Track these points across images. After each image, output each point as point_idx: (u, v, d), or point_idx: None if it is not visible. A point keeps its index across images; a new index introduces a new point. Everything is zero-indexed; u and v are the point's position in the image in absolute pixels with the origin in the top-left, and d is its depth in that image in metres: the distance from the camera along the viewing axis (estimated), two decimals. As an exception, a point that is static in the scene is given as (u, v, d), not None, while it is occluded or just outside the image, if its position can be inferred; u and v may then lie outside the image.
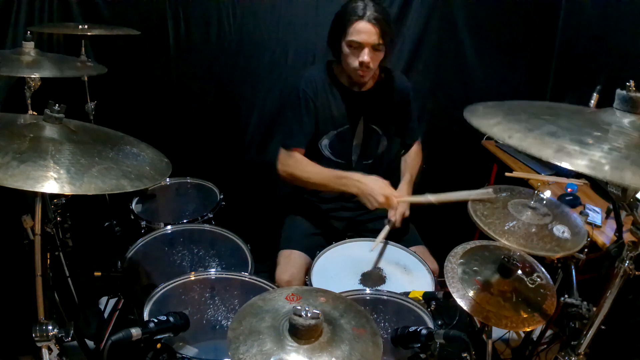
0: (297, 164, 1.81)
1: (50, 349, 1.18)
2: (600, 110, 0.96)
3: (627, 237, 1.03)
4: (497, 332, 1.77)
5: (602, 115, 0.93)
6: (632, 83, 0.90)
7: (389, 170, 2.01)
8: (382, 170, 2.01)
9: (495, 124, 0.90)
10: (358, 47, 1.66)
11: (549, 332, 1.90)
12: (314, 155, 1.86)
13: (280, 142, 1.87)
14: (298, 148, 1.82)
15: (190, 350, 1.30)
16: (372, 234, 1.91)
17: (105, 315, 2.18)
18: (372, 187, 1.67)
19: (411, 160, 2.05)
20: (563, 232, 1.29)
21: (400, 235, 1.85)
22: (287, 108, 1.93)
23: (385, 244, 1.75)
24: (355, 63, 1.68)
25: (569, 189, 2.08)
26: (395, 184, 1.84)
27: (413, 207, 1.83)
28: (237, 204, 2.22)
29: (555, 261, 1.52)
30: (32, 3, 2.21)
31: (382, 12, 1.65)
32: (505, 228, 1.29)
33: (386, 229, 1.71)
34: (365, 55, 1.65)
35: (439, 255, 1.63)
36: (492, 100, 1.04)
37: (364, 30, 1.63)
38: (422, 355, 1.20)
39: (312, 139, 1.85)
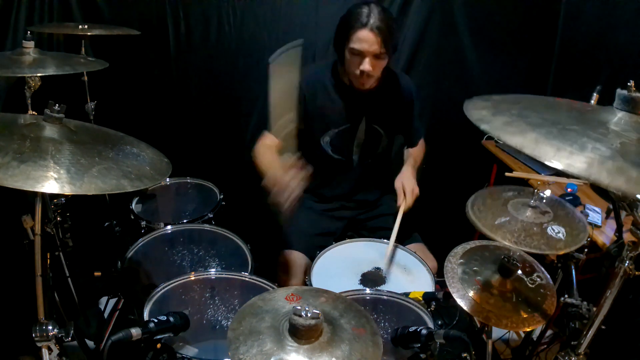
0: (259, 148, 1.73)
1: (50, 349, 1.18)
2: (600, 108, 0.95)
3: (627, 237, 1.02)
4: (497, 332, 1.77)
5: (606, 116, 0.91)
6: (632, 83, 0.89)
7: (389, 169, 2.01)
8: (382, 169, 2.01)
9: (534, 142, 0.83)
10: (359, 54, 1.64)
11: (549, 332, 1.90)
12: (315, 152, 1.86)
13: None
14: (273, 135, 1.73)
15: (190, 350, 1.30)
16: (373, 233, 1.91)
17: (105, 315, 2.18)
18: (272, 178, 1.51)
19: (415, 150, 2.03)
20: (558, 232, 1.29)
21: (400, 235, 1.84)
22: None
23: (385, 244, 1.74)
24: (356, 70, 1.67)
25: (569, 189, 2.08)
26: (393, 182, 1.86)
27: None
28: (237, 204, 2.22)
29: (555, 261, 1.52)
30: (32, 3, 2.21)
31: (386, 20, 1.61)
32: (496, 223, 1.30)
33: (400, 213, 1.74)
34: (366, 64, 1.63)
35: (439, 254, 1.63)
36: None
37: (365, 39, 1.60)
38: (422, 355, 1.20)
39: (313, 136, 1.85)
